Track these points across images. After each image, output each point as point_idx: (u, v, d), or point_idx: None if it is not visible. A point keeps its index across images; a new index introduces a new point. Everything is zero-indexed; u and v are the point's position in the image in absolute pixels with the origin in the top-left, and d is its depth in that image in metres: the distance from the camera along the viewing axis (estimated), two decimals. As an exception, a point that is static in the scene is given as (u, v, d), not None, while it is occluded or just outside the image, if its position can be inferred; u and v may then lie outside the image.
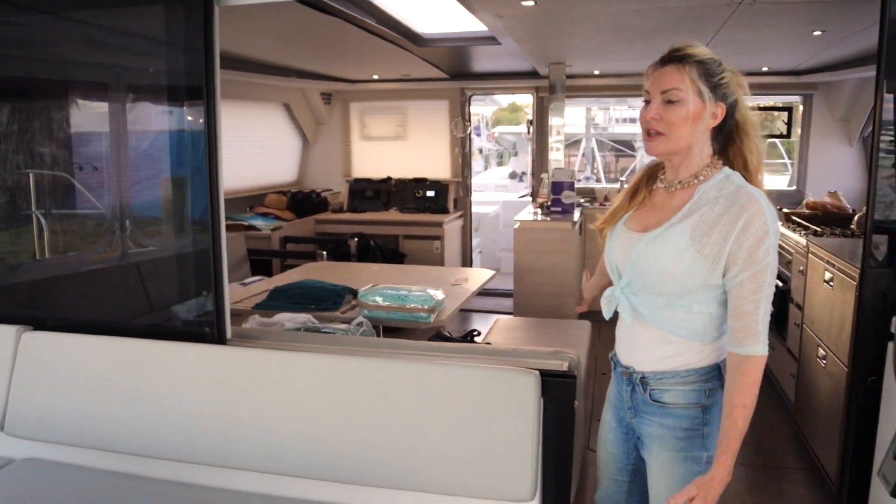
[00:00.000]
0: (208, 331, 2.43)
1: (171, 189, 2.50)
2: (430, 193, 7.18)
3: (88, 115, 2.71)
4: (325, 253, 5.37)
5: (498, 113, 20.00)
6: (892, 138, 1.89)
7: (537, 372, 2.08)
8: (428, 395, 2.15)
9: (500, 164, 18.99)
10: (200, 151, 2.35)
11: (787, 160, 10.96)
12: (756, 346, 1.64)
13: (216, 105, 2.35)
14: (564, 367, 2.19)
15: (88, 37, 2.58)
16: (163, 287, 2.63)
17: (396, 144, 7.49)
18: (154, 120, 2.55)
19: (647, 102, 1.73)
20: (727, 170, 1.76)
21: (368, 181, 7.43)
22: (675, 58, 1.69)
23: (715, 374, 1.78)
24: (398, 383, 2.18)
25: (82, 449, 2.46)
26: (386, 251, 6.41)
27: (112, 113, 2.61)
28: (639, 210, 1.86)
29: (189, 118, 2.42)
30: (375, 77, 7.06)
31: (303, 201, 7.08)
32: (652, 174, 1.91)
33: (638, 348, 1.83)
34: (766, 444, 3.97)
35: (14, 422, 2.52)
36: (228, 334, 2.46)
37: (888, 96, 1.90)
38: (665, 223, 1.74)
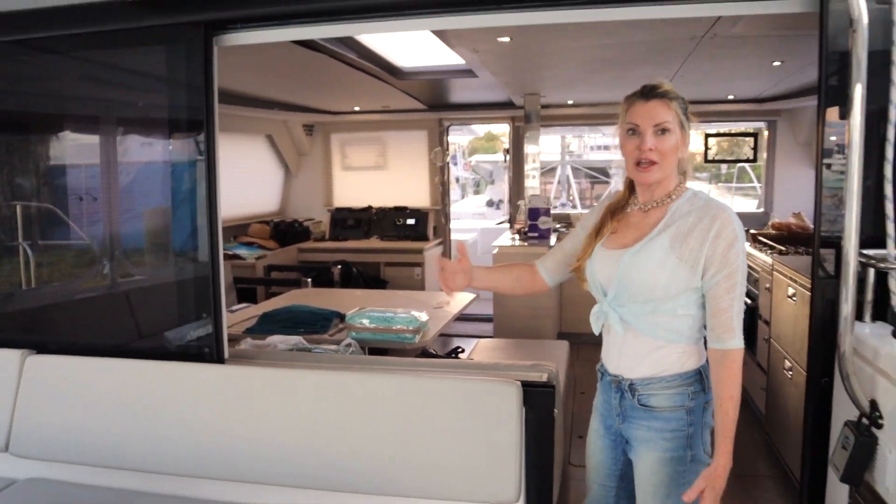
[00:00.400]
0: (207, 351, 2.55)
1: (173, 218, 2.64)
2: (411, 221, 7.36)
3: (95, 148, 2.84)
4: (309, 280, 5.50)
5: (474, 142, 20.22)
6: (837, 161, 2.09)
7: (519, 383, 2.23)
8: (417, 406, 2.29)
9: (476, 192, 19.19)
10: (201, 182, 2.50)
11: (756, 184, 11.31)
12: (733, 340, 1.84)
13: (215, 138, 2.51)
14: (544, 377, 2.35)
15: (95, 74, 2.74)
16: (164, 311, 2.75)
17: (377, 174, 7.68)
18: (156, 152, 2.69)
19: (632, 133, 1.90)
20: (693, 188, 1.97)
21: (349, 210, 7.60)
22: (658, 94, 1.87)
23: (697, 378, 1.95)
24: (389, 395, 2.32)
25: (86, 467, 2.56)
26: (368, 278, 6.56)
27: (115, 146, 2.76)
28: (615, 233, 2.02)
29: (190, 151, 2.57)
30: (356, 109, 7.26)
31: (285, 230, 7.22)
32: (613, 210, 2.06)
33: (627, 356, 1.97)
34: (738, 454, 4.05)
35: (18, 442, 2.61)
36: (226, 354, 2.59)
37: (840, 121, 2.10)
38: (644, 238, 1.91)
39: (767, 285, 4.34)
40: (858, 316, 1.99)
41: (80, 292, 2.85)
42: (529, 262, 2.26)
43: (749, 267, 4.79)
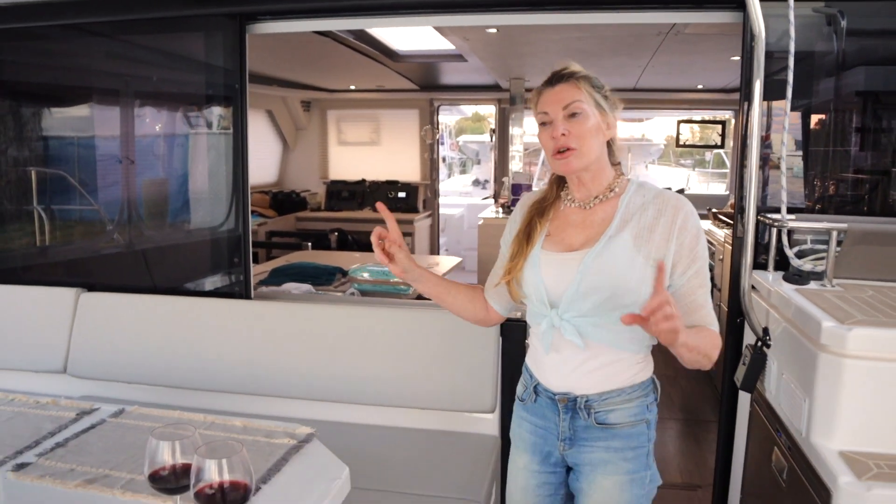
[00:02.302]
0: (238, 290, 3.05)
1: (209, 182, 3.13)
2: (402, 194, 7.86)
3: (141, 122, 3.31)
4: (309, 244, 5.98)
5: (461, 122, 20.43)
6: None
7: (497, 317, 2.75)
8: (415, 335, 2.80)
9: (462, 172, 19.44)
10: (234, 151, 2.99)
11: (728, 170, 11.91)
12: (714, 327, 1.69)
13: (246, 111, 2.99)
14: (518, 315, 2.86)
15: (141, 56, 3.20)
16: (203, 257, 3.24)
17: (370, 149, 8.16)
18: (196, 124, 3.17)
19: (545, 124, 1.71)
20: (634, 179, 1.79)
21: (344, 183, 8.07)
22: (563, 76, 1.70)
23: (652, 388, 1.78)
24: (392, 326, 2.83)
25: (133, 385, 3.04)
26: (362, 244, 7.05)
27: (161, 118, 3.23)
28: (553, 235, 1.79)
29: (223, 123, 3.05)
30: (352, 87, 7.70)
31: (283, 200, 7.69)
32: (541, 208, 1.84)
33: (582, 372, 1.73)
34: (691, 404, 4.71)
35: (75, 365, 3.09)
36: (252, 294, 3.09)
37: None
38: (602, 237, 1.68)
39: (721, 257, 4.89)
40: (765, 267, 2.52)
41: (131, 244, 3.33)
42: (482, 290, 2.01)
43: (709, 241, 5.35)
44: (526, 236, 1.79)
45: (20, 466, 1.78)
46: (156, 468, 1.43)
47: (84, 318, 3.13)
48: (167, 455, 1.43)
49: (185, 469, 1.43)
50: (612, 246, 1.66)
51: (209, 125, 3.11)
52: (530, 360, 1.88)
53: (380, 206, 1.84)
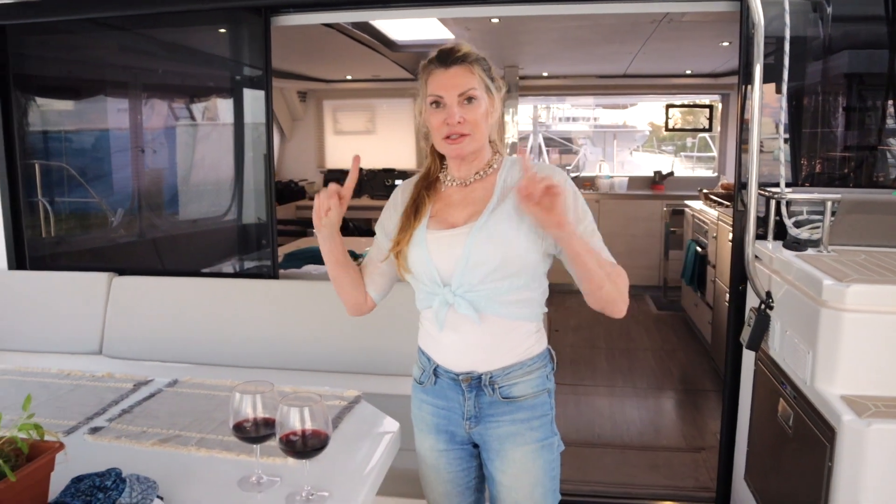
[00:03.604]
0: (265, 270, 3.22)
1: (242, 172, 3.29)
2: (399, 182, 7.97)
3: (180, 117, 3.47)
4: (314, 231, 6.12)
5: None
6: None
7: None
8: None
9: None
10: (261, 142, 3.14)
11: (715, 154, 12.14)
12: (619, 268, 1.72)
13: (271, 103, 3.14)
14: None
15: (169, 50, 3.34)
16: (231, 241, 3.40)
17: (366, 138, 8.28)
18: (225, 114, 3.32)
19: (437, 105, 1.69)
20: (507, 157, 1.83)
21: (341, 171, 8.20)
22: (458, 59, 1.67)
23: (549, 358, 1.83)
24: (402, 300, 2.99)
25: (166, 363, 3.18)
26: (363, 230, 7.21)
27: (190, 110, 3.38)
28: (436, 215, 1.78)
29: (250, 113, 3.20)
30: (349, 77, 7.81)
31: (283, 190, 7.81)
32: (427, 183, 1.84)
33: (483, 348, 1.74)
34: (689, 376, 4.93)
35: (109, 345, 3.25)
36: (278, 274, 3.25)
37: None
38: (484, 211, 1.71)
39: (714, 234, 5.10)
40: (764, 237, 2.72)
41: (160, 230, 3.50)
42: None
43: (700, 220, 5.56)
44: (413, 210, 1.79)
45: (94, 430, 1.94)
46: (239, 420, 1.60)
47: (117, 300, 3.28)
48: (249, 409, 1.60)
49: (266, 421, 1.60)
50: (497, 216, 1.68)
51: (239, 118, 3.26)
52: (424, 342, 1.87)
53: (356, 159, 1.85)
